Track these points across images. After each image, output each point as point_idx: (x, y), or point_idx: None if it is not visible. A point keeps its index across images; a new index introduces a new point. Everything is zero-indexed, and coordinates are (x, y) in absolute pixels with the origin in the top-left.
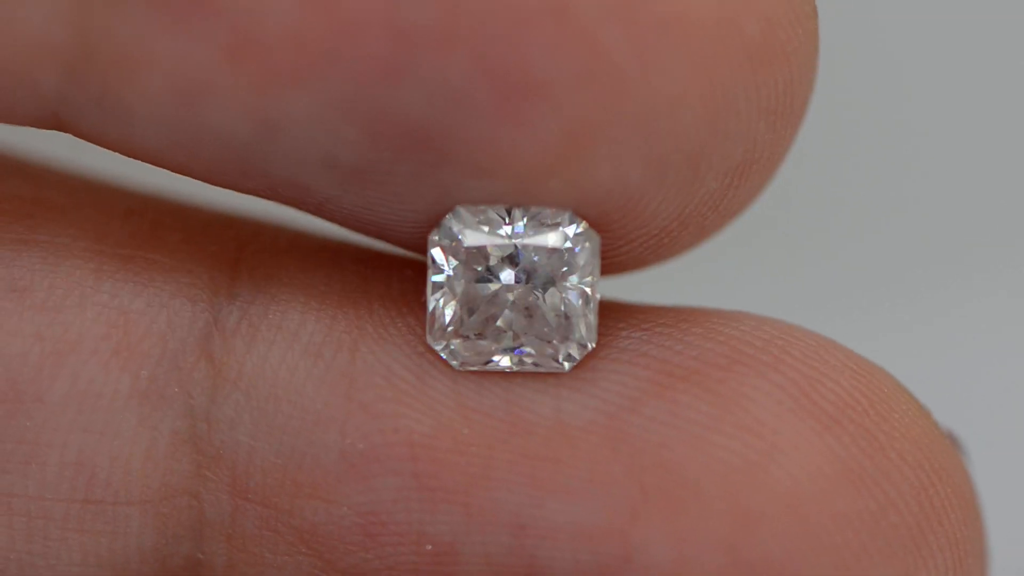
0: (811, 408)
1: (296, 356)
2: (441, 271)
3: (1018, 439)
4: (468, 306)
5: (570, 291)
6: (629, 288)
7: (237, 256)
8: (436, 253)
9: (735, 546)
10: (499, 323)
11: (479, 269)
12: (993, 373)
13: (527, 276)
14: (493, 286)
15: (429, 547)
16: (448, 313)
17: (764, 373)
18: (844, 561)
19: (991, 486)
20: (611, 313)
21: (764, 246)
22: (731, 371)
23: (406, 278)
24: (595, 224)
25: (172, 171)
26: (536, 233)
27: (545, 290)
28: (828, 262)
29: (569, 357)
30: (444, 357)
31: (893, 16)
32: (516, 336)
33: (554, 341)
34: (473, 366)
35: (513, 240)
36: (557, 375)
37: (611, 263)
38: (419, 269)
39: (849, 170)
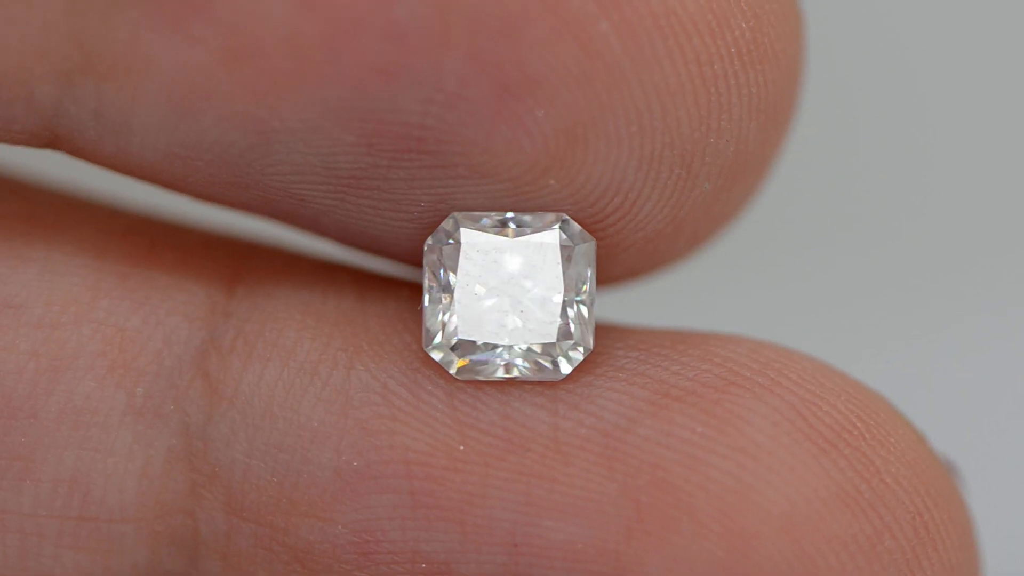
0: (807, 431)
1: (292, 374)
2: (436, 278)
3: (1013, 463)
4: (464, 312)
5: (566, 294)
6: (626, 310)
7: (234, 275)
8: (431, 260)
9: (729, 567)
10: (495, 328)
11: (475, 274)
12: (990, 396)
13: (523, 280)
14: (489, 291)
15: (423, 565)
16: (444, 320)
17: (760, 395)
18: None
19: (986, 511)
20: (608, 334)
21: (760, 267)
22: (727, 392)
23: (402, 297)
24: (591, 229)
25: (167, 187)
26: (531, 237)
27: (541, 293)
28: (825, 283)
29: (566, 362)
30: (441, 365)
31: (891, 26)
32: (512, 341)
33: (550, 345)
34: (470, 374)
35: (508, 244)
36: (554, 388)
37: (607, 273)
38: (415, 288)
39: (845, 188)
